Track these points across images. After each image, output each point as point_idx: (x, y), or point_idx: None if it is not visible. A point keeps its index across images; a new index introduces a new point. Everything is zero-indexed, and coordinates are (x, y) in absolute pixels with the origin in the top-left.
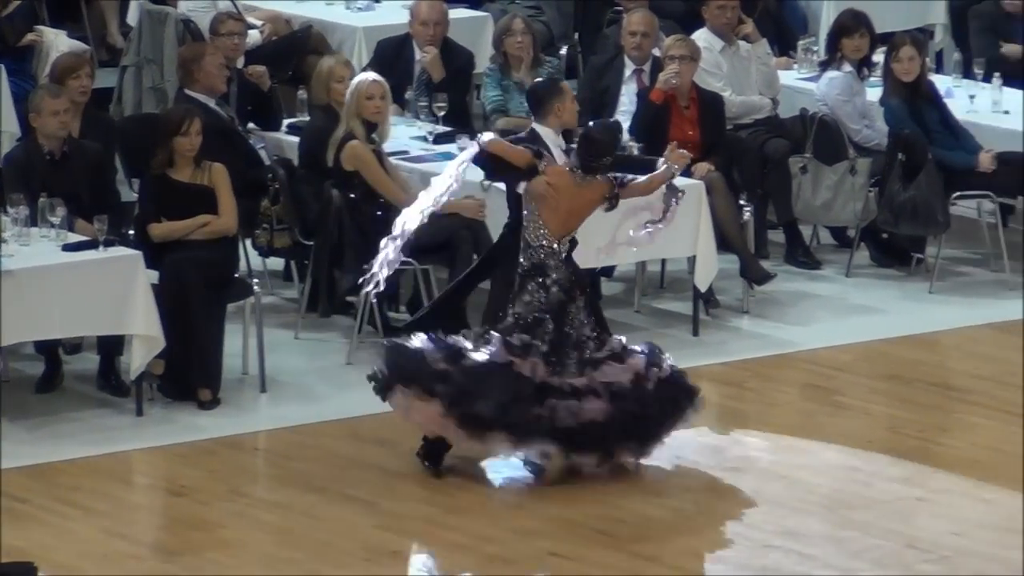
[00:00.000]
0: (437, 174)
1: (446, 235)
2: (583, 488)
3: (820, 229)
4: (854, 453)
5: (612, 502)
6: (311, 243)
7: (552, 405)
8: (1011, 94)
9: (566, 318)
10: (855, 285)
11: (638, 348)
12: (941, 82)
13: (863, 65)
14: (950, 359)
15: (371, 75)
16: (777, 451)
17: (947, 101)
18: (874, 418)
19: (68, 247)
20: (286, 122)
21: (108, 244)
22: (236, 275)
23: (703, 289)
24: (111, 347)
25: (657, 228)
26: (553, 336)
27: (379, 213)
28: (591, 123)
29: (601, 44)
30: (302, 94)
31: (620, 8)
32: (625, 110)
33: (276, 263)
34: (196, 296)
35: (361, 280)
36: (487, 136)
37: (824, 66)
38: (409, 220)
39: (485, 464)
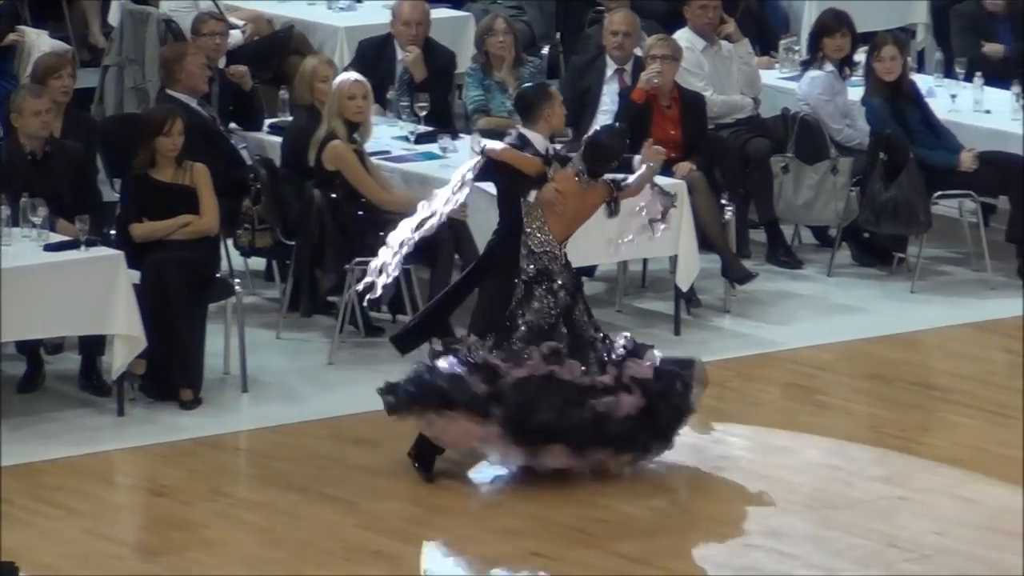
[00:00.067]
0: (418, 173)
1: (428, 235)
2: (565, 488)
3: (802, 228)
4: (836, 452)
5: (594, 502)
6: (293, 243)
7: (591, 406)
8: (992, 93)
9: (574, 321)
10: (837, 284)
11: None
12: (923, 81)
13: (845, 65)
14: (932, 358)
15: (353, 75)
16: (759, 450)
17: (929, 100)
18: (856, 417)
19: (50, 247)
20: (268, 122)
21: (90, 244)
22: (217, 275)
23: (685, 288)
24: (93, 347)
25: (659, 226)
26: (569, 339)
27: (360, 213)
28: (598, 128)
29: (583, 44)
30: (284, 94)
31: (602, 8)
32: (607, 110)
33: (258, 263)
34: (178, 296)
35: (362, 287)
36: (495, 145)
37: (806, 66)
38: (411, 231)
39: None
